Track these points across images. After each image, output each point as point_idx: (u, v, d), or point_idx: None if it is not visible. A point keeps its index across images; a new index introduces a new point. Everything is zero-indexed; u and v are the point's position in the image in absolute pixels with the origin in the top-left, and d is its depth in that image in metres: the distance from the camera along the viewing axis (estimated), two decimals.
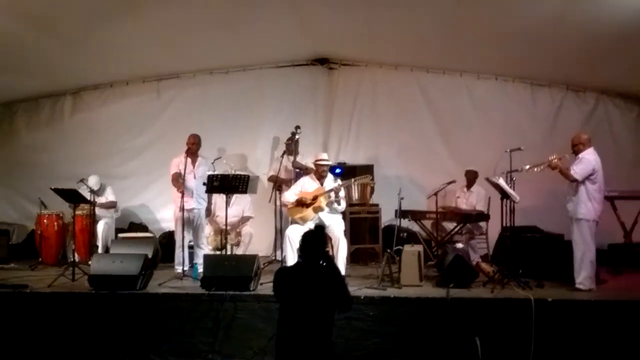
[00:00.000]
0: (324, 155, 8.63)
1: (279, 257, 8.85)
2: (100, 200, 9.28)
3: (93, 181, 9.70)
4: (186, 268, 8.48)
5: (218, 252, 8.76)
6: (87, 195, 8.86)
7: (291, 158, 9.51)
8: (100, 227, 9.67)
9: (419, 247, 8.14)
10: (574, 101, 10.55)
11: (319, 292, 4.99)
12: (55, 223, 9.86)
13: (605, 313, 6.81)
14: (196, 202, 8.74)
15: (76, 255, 8.82)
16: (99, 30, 8.20)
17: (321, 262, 5.19)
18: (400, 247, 8.15)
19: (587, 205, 7.43)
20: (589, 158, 7.48)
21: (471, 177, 9.97)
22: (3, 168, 11.13)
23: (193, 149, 8.75)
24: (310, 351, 4.91)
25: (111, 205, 9.98)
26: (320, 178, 8.46)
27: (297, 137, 9.43)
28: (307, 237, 5.28)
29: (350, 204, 9.29)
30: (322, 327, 5.00)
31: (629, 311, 6.81)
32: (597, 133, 9.29)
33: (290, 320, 5.05)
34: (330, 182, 8.46)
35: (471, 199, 9.93)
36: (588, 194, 7.45)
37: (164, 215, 10.71)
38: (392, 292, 7.43)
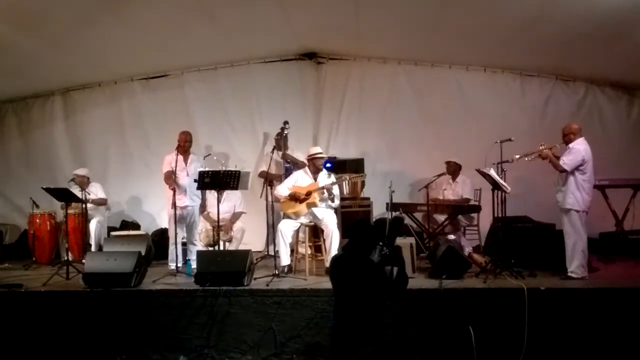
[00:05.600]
0: (318, 149, 8.64)
1: (271, 252, 8.84)
2: (90, 197, 9.26)
3: (83, 171, 9.79)
4: (180, 265, 8.47)
5: (211, 248, 8.76)
6: (79, 194, 8.83)
7: (280, 153, 9.52)
8: (93, 225, 9.63)
9: (411, 239, 8.17)
10: (564, 91, 10.61)
11: (365, 281, 5.01)
12: (48, 222, 9.81)
13: (597, 301, 6.84)
14: (189, 200, 8.73)
15: (69, 254, 8.80)
16: (86, 30, 8.18)
17: (382, 251, 5.13)
18: None
19: (576, 195, 7.44)
20: (579, 148, 7.47)
21: (451, 170, 9.98)
22: None
23: (186, 146, 8.73)
24: (361, 336, 4.98)
25: (101, 202, 9.91)
26: (316, 172, 8.48)
27: (285, 132, 9.43)
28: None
29: (341, 198, 9.31)
30: (370, 314, 5.02)
31: (621, 299, 6.84)
32: (586, 122, 9.39)
33: (342, 307, 5.08)
34: (323, 177, 8.46)
35: (457, 189, 9.94)
36: (577, 184, 7.46)
37: (156, 212, 10.78)
38: None
